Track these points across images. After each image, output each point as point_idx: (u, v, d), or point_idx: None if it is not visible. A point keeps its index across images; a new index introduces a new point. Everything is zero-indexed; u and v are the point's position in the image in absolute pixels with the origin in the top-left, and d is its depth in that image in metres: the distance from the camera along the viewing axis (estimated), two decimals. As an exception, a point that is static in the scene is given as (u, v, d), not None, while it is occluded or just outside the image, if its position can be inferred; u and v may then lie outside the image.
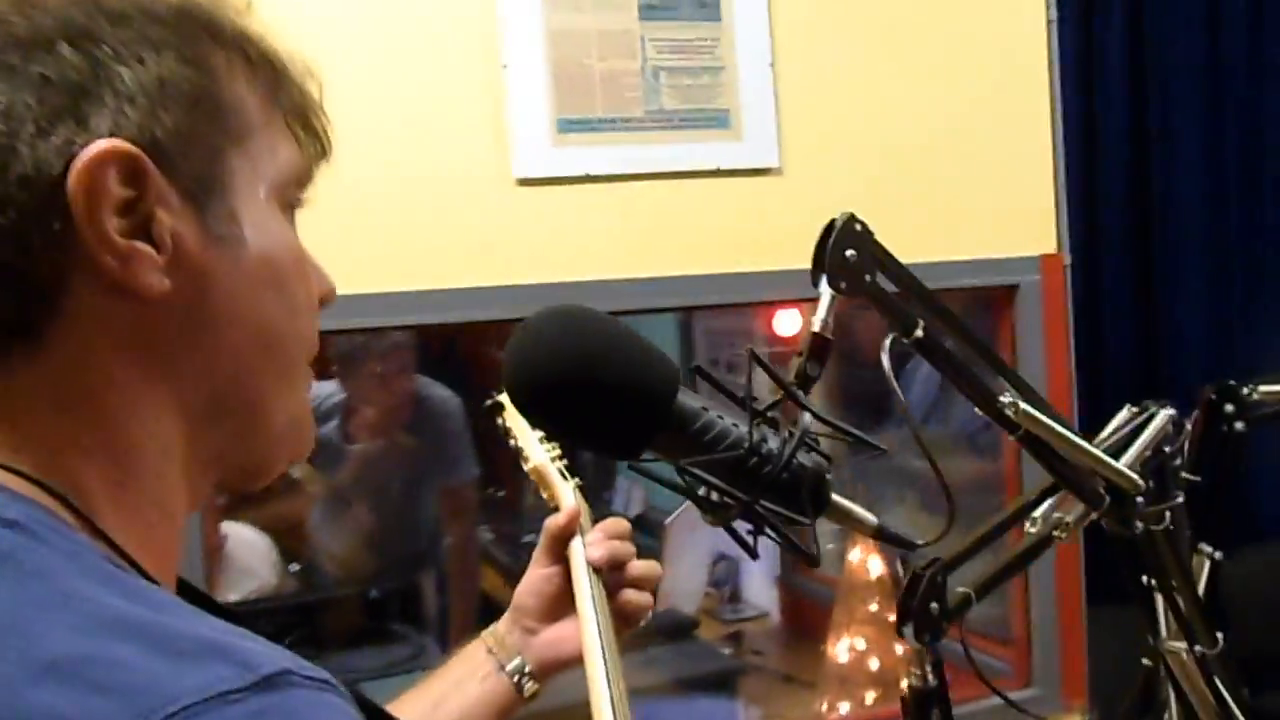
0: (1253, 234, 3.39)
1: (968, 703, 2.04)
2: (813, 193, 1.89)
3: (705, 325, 2.85)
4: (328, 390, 2.56)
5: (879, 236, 0.95)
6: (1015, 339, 2.06)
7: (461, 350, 2.97)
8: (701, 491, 0.86)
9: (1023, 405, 0.97)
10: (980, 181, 2.05)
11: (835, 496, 0.87)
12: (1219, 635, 1.16)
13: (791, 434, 0.84)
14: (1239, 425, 1.36)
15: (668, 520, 2.53)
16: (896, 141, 1.97)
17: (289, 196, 0.64)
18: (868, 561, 2.13)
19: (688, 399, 0.82)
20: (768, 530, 0.85)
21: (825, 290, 0.91)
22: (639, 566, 1.08)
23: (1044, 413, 0.99)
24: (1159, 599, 1.20)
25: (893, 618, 1.04)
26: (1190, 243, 3.34)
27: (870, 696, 2.14)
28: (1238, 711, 1.15)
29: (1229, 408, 1.36)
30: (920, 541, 0.89)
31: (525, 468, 1.17)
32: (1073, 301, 2.10)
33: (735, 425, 0.83)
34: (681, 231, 1.86)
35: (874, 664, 2.13)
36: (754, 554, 0.87)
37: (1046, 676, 2.05)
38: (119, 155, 0.53)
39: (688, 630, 2.52)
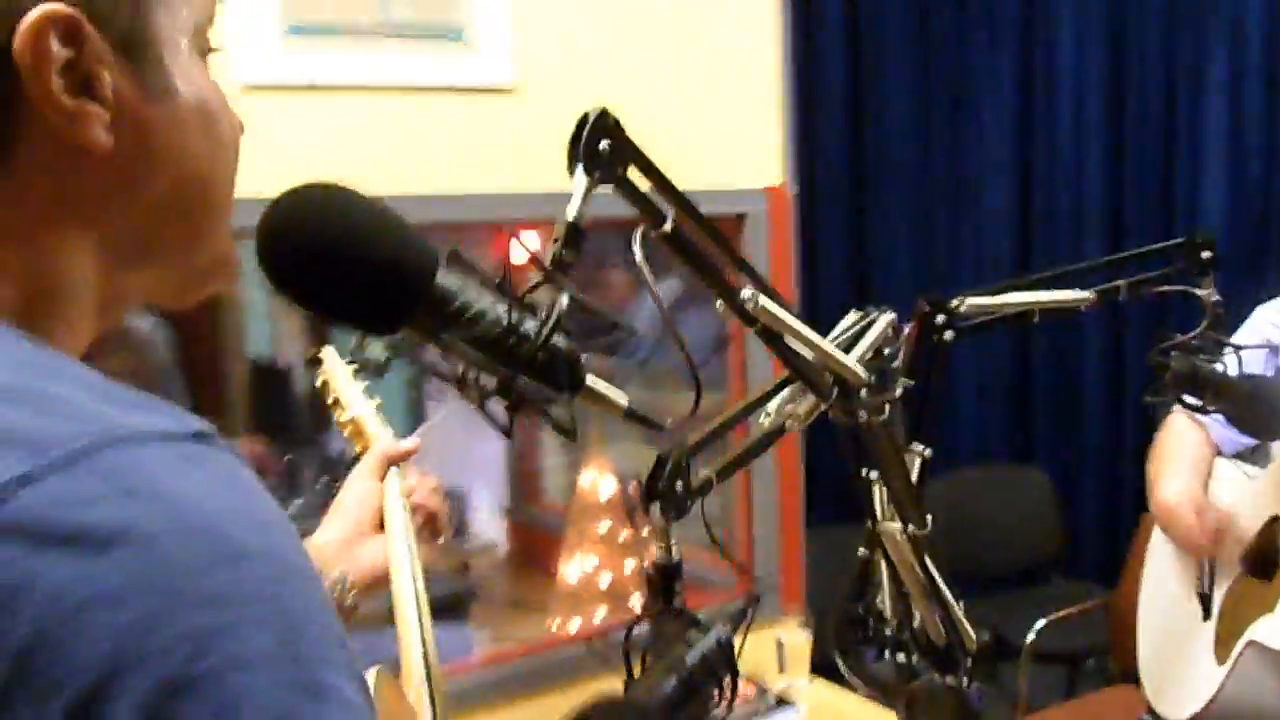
0: (955, 164, 3.66)
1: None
2: (544, 114, 1.90)
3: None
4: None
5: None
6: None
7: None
8: (461, 372, 0.86)
9: (761, 300, 1.02)
10: (713, 118, 2.12)
11: (590, 378, 0.88)
12: (928, 518, 1.27)
13: (549, 316, 0.85)
14: (948, 335, 1.47)
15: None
16: (634, 72, 2.01)
17: (203, 44, 0.67)
18: (599, 484, 2.18)
19: (447, 279, 0.82)
20: (526, 406, 0.87)
21: (580, 178, 0.92)
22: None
23: (781, 307, 1.04)
24: (876, 490, 1.30)
25: (623, 537, 1.09)
26: (898, 174, 3.59)
27: (601, 612, 2.20)
28: (942, 584, 1.26)
29: (939, 318, 1.47)
30: (667, 423, 0.92)
31: (339, 419, 1.24)
32: (796, 228, 2.22)
33: (494, 305, 0.84)
34: (414, 146, 1.82)
35: (605, 581, 2.19)
36: (509, 433, 0.88)
37: (766, 583, 2.18)
38: (57, 18, 0.56)
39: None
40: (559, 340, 0.85)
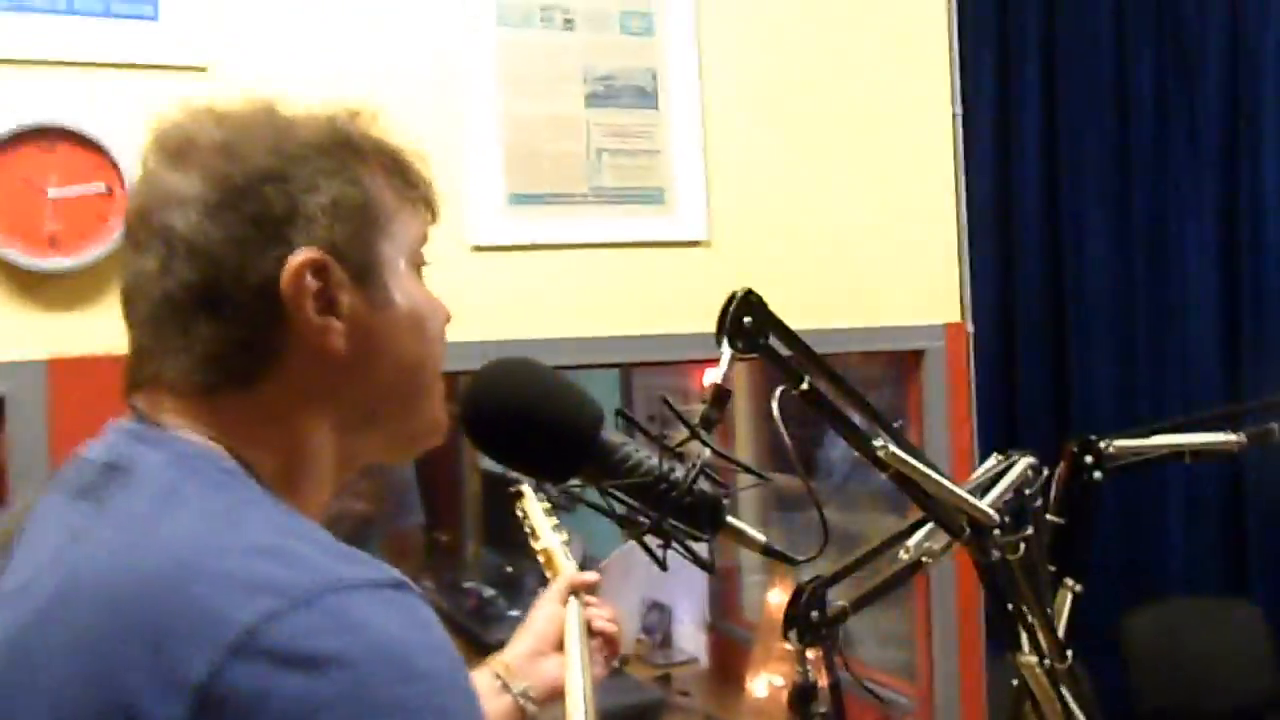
0: (1156, 313, 3.65)
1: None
2: (736, 264, 2.10)
3: (641, 381, 3.05)
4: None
5: (804, 305, 1.15)
6: (923, 398, 2.27)
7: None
8: (621, 511, 1.05)
9: (891, 447, 1.17)
10: (893, 257, 2.26)
11: (729, 518, 1.06)
12: (1068, 653, 1.36)
13: (694, 465, 1.03)
14: (1096, 474, 1.57)
15: (602, 563, 2.69)
16: (815, 220, 2.19)
17: (417, 259, 0.89)
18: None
19: (611, 436, 1.01)
20: (674, 544, 1.04)
21: (725, 349, 1.10)
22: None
23: (910, 454, 1.19)
24: (1020, 625, 1.40)
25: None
26: (1099, 310, 3.60)
27: (786, 727, 2.30)
28: (1080, 715, 1.34)
29: (1088, 459, 1.56)
30: (800, 558, 1.08)
31: (535, 547, 1.44)
32: (977, 363, 2.32)
33: (649, 458, 1.03)
34: (619, 295, 2.05)
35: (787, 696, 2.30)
36: (663, 565, 1.06)
37: (948, 712, 2.24)
38: (312, 261, 0.79)
39: (619, 667, 2.68)
40: (704, 486, 1.03)
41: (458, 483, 3.77)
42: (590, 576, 1.35)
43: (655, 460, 1.02)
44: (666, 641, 3.15)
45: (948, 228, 2.33)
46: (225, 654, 0.62)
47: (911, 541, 1.29)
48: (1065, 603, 1.53)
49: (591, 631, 1.31)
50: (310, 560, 0.69)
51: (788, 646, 1.14)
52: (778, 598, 2.32)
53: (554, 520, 1.44)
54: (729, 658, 2.93)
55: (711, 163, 2.10)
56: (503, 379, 1.00)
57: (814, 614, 1.13)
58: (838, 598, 1.21)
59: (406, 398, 0.87)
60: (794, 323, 1.15)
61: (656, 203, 2.07)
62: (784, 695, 2.39)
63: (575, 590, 1.33)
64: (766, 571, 2.92)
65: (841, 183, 2.22)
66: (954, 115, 2.34)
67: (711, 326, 2.11)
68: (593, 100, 2.02)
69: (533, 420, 0.98)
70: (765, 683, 2.30)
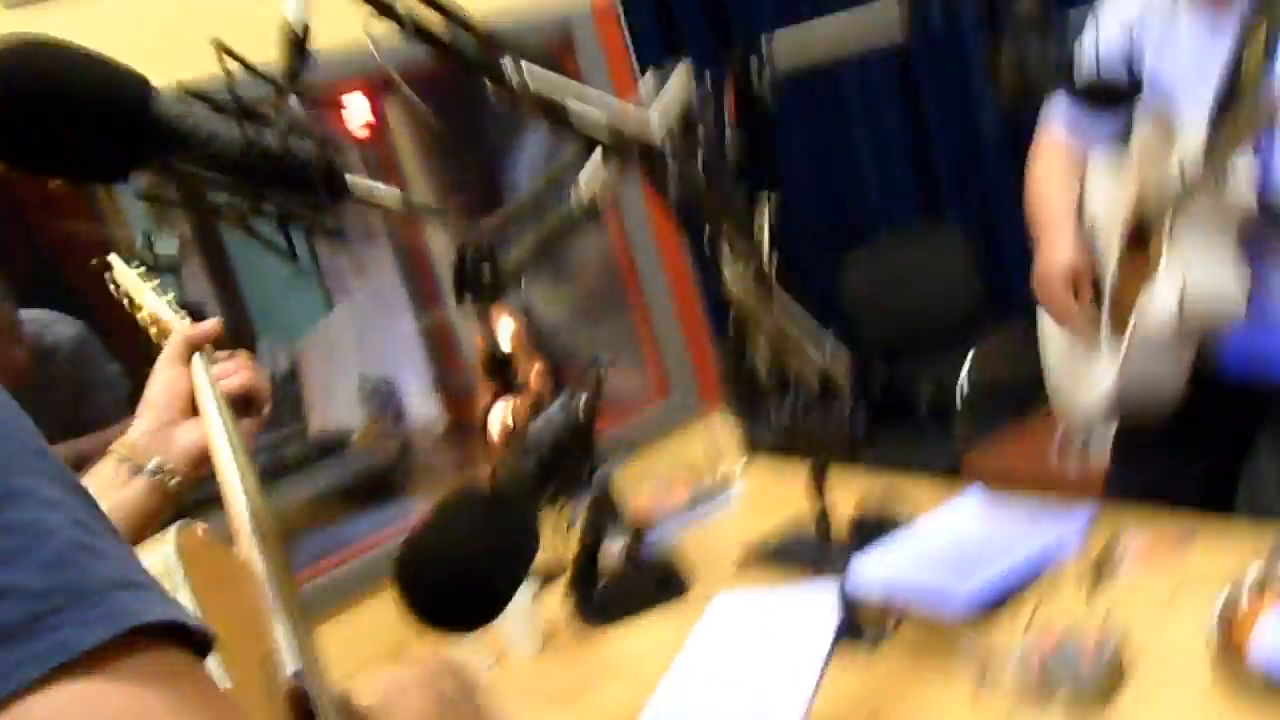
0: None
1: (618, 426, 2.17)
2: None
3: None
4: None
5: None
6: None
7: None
8: (226, 201, 0.85)
9: (526, 69, 1.01)
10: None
11: (351, 178, 0.88)
12: (766, 255, 1.28)
13: (286, 123, 0.84)
14: (765, 76, 1.46)
15: (299, 343, 2.50)
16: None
17: None
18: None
19: (167, 104, 0.80)
20: (296, 228, 0.86)
21: None
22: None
23: (552, 77, 1.04)
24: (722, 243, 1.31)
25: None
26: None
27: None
28: (798, 316, 1.28)
29: (754, 61, 1.46)
30: (444, 209, 0.92)
31: (140, 318, 1.23)
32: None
33: (227, 125, 0.83)
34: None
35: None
36: (293, 254, 0.88)
37: (682, 382, 2.21)
38: None
39: (344, 442, 2.54)
40: (304, 146, 0.84)
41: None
42: (208, 326, 1.13)
43: (236, 129, 0.82)
44: (400, 415, 3.00)
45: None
46: None
47: (582, 177, 1.15)
48: (765, 213, 1.45)
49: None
50: None
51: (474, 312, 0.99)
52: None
53: (153, 283, 1.23)
54: (462, 410, 2.82)
55: None
56: (12, 61, 0.76)
57: (486, 270, 0.98)
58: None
59: None
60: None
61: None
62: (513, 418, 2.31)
63: (195, 346, 1.11)
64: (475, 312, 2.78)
65: None
66: None
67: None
68: None
69: (64, 100, 0.75)
70: (496, 418, 2.19)
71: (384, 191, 0.90)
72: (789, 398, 1.43)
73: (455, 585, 0.93)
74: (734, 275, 1.25)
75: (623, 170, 1.14)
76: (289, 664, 0.77)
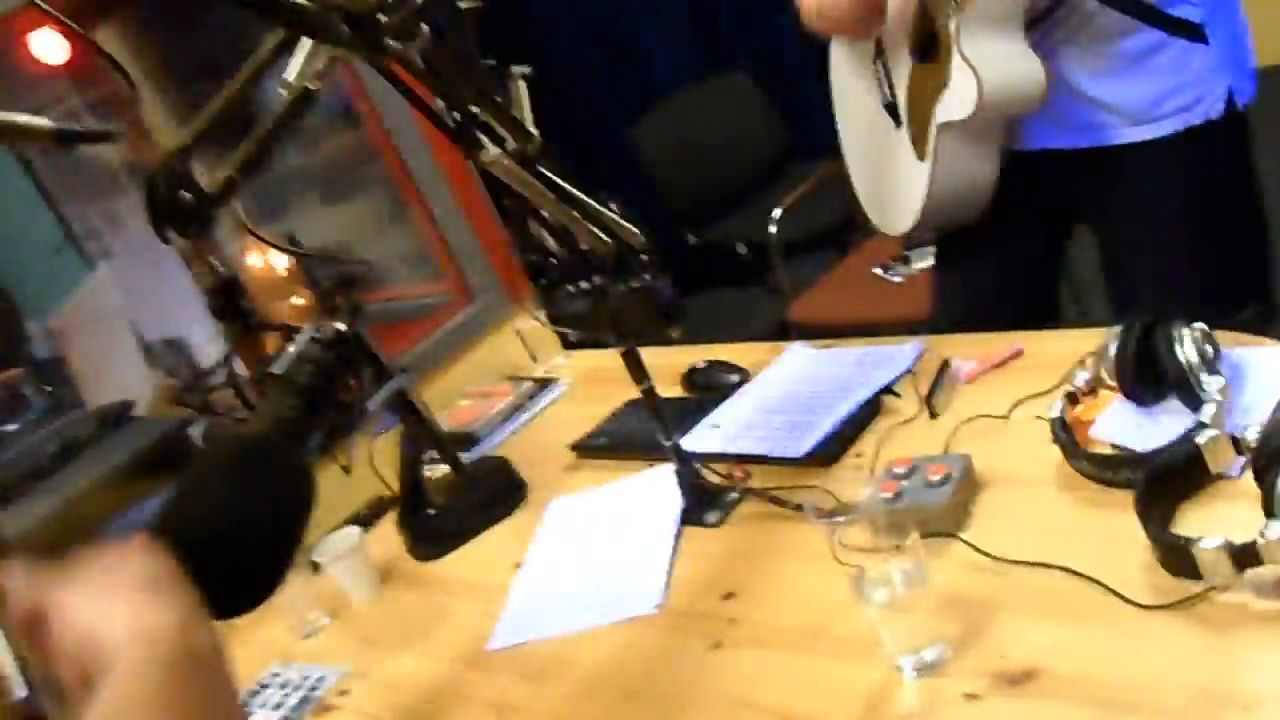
0: None
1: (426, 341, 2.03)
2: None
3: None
4: None
5: None
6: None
7: None
8: None
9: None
10: None
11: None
12: (533, 133, 1.15)
13: None
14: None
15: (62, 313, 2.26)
16: None
17: None
18: (270, 259, 2.00)
19: None
20: None
21: None
22: None
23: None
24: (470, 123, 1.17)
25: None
26: None
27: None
28: (577, 194, 1.15)
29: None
30: (112, 129, 0.76)
31: None
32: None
33: None
34: None
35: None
36: None
37: (486, 285, 2.08)
38: None
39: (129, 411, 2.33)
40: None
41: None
42: None
43: None
44: (197, 375, 2.78)
45: None
46: None
47: (289, 71, 0.99)
48: (521, 90, 1.31)
49: None
50: None
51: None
52: (257, 259, 2.00)
53: None
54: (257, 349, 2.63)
55: None
56: None
57: (184, 196, 0.83)
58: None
59: None
60: None
61: None
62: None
63: None
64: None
65: None
66: None
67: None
68: None
69: None
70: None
71: (30, 120, 0.73)
72: (587, 284, 1.32)
73: (218, 568, 0.80)
74: (494, 161, 1.11)
75: (339, 56, 0.99)
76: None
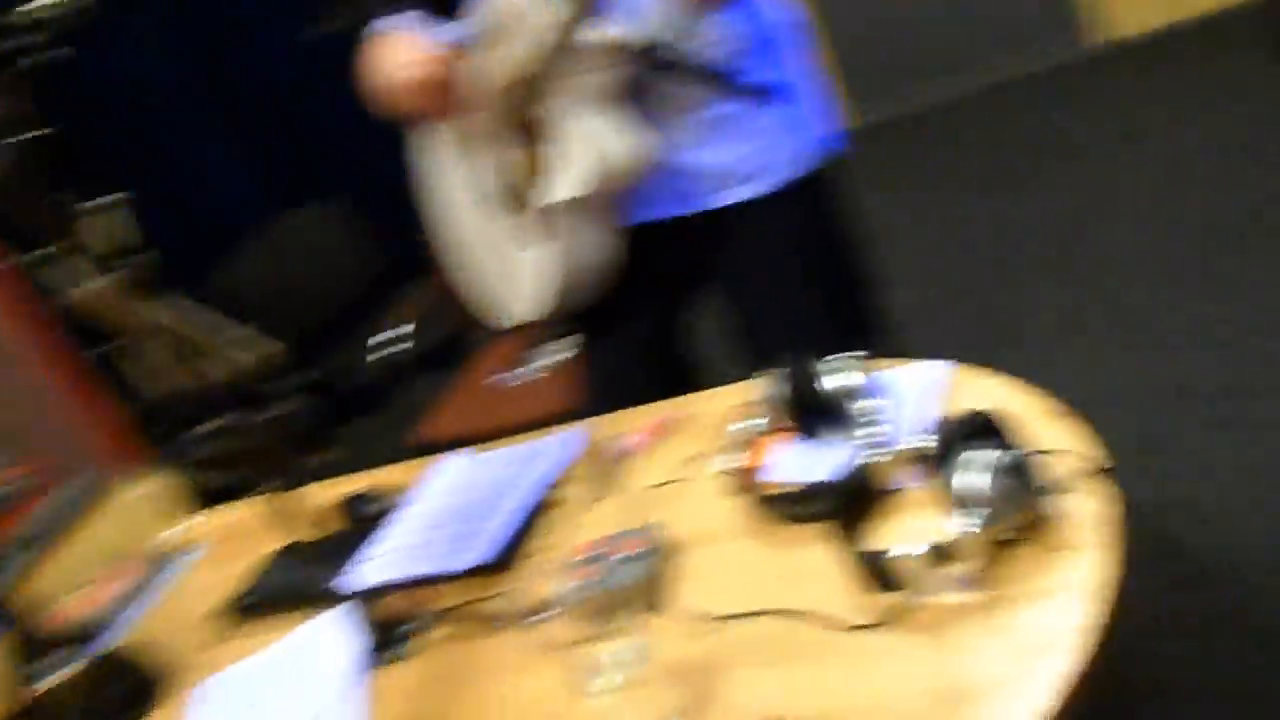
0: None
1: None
2: None
3: None
4: None
5: None
6: None
7: None
8: None
9: None
10: None
11: None
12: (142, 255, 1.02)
13: None
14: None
15: None
16: None
17: None
18: None
19: None
20: None
21: None
22: None
23: None
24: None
25: None
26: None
27: None
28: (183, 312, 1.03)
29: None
30: None
31: None
32: None
33: None
34: None
35: None
36: None
37: (80, 452, 1.84)
38: None
39: None
40: None
41: None
42: None
43: None
44: None
45: None
46: None
47: None
48: (112, 218, 1.17)
49: None
50: None
51: None
52: None
53: None
54: None
55: None
56: None
57: None
58: None
59: None
60: None
61: None
62: None
63: None
64: None
65: None
66: None
67: None
68: None
69: None
70: None
71: None
72: (217, 420, 1.19)
73: None
74: (89, 295, 0.97)
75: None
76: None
